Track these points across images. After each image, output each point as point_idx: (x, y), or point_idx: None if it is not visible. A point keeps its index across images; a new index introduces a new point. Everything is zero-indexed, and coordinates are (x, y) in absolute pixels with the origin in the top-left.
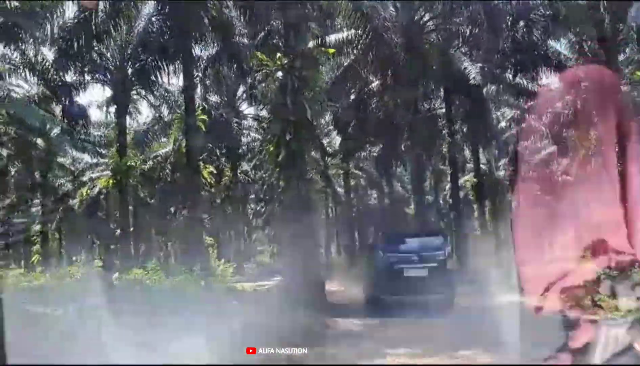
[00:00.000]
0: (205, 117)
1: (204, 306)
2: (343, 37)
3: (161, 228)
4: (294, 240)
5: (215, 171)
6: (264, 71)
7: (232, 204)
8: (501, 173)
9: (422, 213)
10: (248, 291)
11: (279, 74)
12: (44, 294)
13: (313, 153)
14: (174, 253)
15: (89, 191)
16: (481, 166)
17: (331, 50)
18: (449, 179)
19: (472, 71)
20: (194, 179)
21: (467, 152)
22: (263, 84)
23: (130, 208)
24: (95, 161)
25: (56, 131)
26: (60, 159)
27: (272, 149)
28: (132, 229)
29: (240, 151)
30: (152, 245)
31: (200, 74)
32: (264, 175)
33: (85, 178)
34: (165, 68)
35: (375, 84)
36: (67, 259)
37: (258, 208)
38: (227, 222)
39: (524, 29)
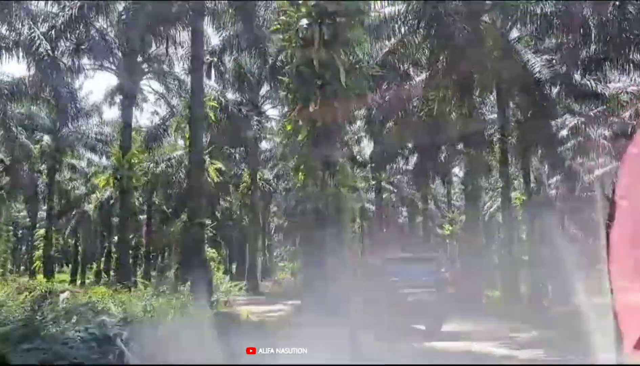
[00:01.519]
0: (215, 104)
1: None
2: (382, 15)
3: (170, 235)
4: (317, 257)
5: (223, 168)
6: (284, 20)
7: (250, 215)
8: (553, 192)
9: (458, 234)
10: (250, 322)
11: (304, 22)
12: None
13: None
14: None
15: (100, 195)
16: (531, 183)
17: None
18: (490, 196)
19: (536, 64)
20: (197, 176)
21: (517, 165)
22: (282, 36)
23: (139, 211)
24: (108, 163)
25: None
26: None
27: (290, 126)
28: (132, 236)
29: (262, 157)
30: (166, 254)
31: (214, 59)
32: (285, 184)
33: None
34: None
35: (419, 79)
36: (68, 267)
37: (280, 223)
38: (243, 234)
39: (615, 10)
